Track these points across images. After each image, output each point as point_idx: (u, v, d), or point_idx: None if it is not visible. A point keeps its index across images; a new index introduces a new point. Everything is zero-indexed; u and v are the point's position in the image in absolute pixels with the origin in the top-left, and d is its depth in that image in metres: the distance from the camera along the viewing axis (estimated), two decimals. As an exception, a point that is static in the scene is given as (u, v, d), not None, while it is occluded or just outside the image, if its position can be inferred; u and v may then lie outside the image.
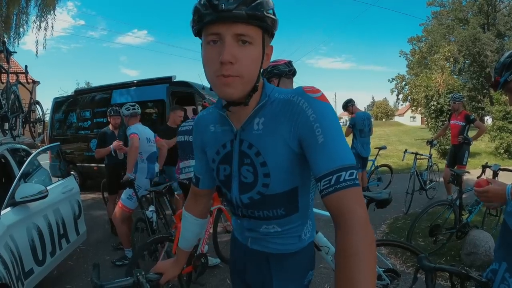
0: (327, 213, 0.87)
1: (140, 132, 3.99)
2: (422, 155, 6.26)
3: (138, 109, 4.26)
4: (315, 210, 2.52)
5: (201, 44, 0.93)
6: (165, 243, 3.25)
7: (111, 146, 4.57)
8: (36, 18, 9.13)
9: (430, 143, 6.43)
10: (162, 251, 3.28)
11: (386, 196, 2.58)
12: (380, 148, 7.11)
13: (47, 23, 9.30)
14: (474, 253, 3.50)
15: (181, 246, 1.34)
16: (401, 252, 3.85)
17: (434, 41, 27.68)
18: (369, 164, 6.78)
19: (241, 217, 1.13)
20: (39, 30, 9.16)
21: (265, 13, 0.87)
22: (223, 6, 0.83)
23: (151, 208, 3.84)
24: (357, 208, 0.80)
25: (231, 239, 1.34)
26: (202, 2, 0.87)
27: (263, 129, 0.98)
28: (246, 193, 1.04)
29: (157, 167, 4.26)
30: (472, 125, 5.66)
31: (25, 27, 9.36)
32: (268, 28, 0.91)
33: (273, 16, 0.90)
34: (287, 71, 2.36)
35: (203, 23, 0.87)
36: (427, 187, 6.34)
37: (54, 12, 9.29)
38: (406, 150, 6.54)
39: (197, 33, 0.93)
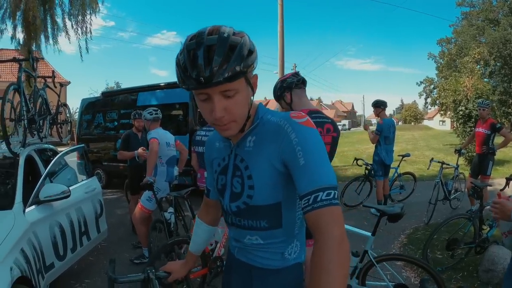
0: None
1: (160, 136, 4.11)
2: (448, 164, 6.09)
3: (160, 114, 4.38)
4: (347, 227, 2.55)
5: (195, 95, 1.02)
6: (183, 245, 3.35)
7: (136, 152, 4.75)
8: (76, 23, 9.51)
9: (458, 151, 6.26)
10: (179, 252, 3.38)
11: (398, 210, 2.55)
12: (403, 156, 6.95)
13: (86, 27, 9.70)
14: (492, 270, 3.36)
15: (191, 250, 1.46)
16: (416, 266, 3.76)
17: (464, 43, 26.65)
18: (392, 171, 6.65)
19: (230, 225, 1.21)
20: (81, 34, 9.57)
21: (243, 65, 0.93)
22: (202, 79, 0.90)
23: (170, 210, 3.94)
24: (332, 226, 0.86)
25: (227, 252, 1.40)
26: (182, 72, 0.94)
27: (253, 146, 1.08)
28: (235, 201, 1.13)
29: (176, 171, 4.39)
30: (498, 133, 5.47)
31: (55, 30, 9.73)
32: (249, 72, 0.98)
33: (253, 56, 0.96)
34: (295, 81, 2.42)
35: (189, 88, 0.96)
36: (451, 197, 6.15)
37: (91, 16, 9.68)
38: (432, 158, 6.35)
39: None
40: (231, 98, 0.96)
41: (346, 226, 2.56)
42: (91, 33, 9.94)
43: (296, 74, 2.48)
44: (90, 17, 9.75)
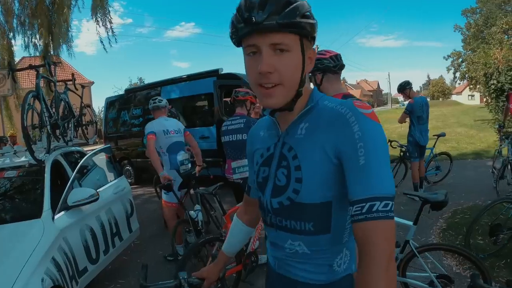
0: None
1: (155, 126, 4.03)
2: None
3: (160, 102, 4.21)
4: (396, 219, 2.41)
5: (243, 53, 0.94)
6: (215, 243, 3.27)
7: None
8: (97, 21, 9.58)
9: (501, 127, 5.90)
10: (211, 252, 3.31)
11: (442, 197, 2.39)
12: (438, 136, 6.61)
13: (106, 24, 9.75)
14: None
15: (224, 250, 1.36)
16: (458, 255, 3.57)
17: (490, 13, 25.46)
18: (427, 152, 6.36)
19: (269, 226, 1.08)
20: (104, 30, 9.65)
21: (299, 19, 0.86)
22: (253, 19, 0.84)
23: (197, 207, 3.87)
24: (383, 243, 0.78)
25: (267, 261, 1.28)
26: (236, 16, 0.90)
27: (305, 133, 0.96)
28: (277, 196, 1.00)
29: (180, 156, 4.12)
30: None
31: (73, 31, 9.84)
32: (305, 34, 0.90)
33: (310, 20, 0.89)
34: (331, 66, 2.23)
35: (239, 36, 0.90)
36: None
37: (110, 14, 9.71)
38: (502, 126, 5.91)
39: (238, 44, 0.95)
40: (282, 55, 0.88)
41: None
42: (112, 30, 9.96)
43: (336, 57, 2.27)
44: (109, 13, 9.77)
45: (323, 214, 0.94)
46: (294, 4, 0.85)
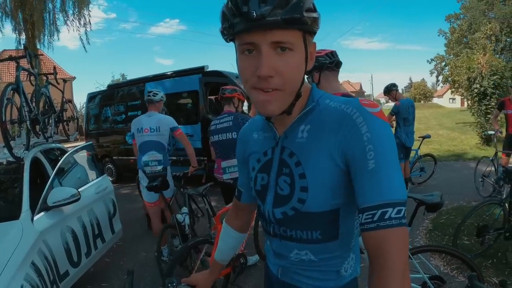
0: None
1: (133, 125, 3.99)
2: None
3: (154, 96, 4.03)
4: None
5: (235, 50, 0.83)
6: (202, 247, 3.17)
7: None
8: (73, 15, 9.37)
9: (492, 135, 5.91)
10: (198, 257, 3.19)
11: (437, 199, 2.37)
12: (424, 137, 6.73)
13: (85, 18, 9.55)
14: (522, 256, 3.19)
15: (217, 258, 1.29)
16: (451, 256, 3.60)
17: (473, 19, 26.19)
18: (412, 153, 6.44)
19: (272, 236, 1.00)
20: (79, 26, 9.44)
21: (304, 14, 0.75)
22: (254, 13, 0.72)
23: (184, 210, 3.75)
24: (397, 253, 0.71)
25: (264, 267, 1.20)
26: (229, 7, 0.77)
27: (307, 137, 0.87)
28: (280, 207, 0.92)
29: (147, 156, 3.90)
30: None
31: (56, 25, 9.62)
32: (308, 29, 0.79)
33: (313, 15, 0.78)
34: (327, 63, 2.20)
35: (234, 33, 0.78)
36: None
37: (88, 7, 9.53)
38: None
39: (231, 40, 0.83)
40: (284, 54, 0.77)
41: None
42: (90, 24, 9.77)
43: (332, 54, 2.23)
44: (88, 10, 9.58)
45: (331, 222, 0.88)
46: None
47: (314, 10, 0.79)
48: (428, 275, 2.51)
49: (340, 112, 0.82)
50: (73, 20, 9.53)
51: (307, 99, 0.90)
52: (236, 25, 0.76)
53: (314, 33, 0.83)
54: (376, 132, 0.76)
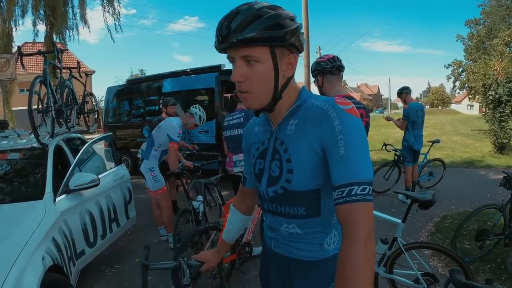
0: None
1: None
2: None
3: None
4: (377, 213, 2.50)
5: None
6: (211, 233, 3.38)
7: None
8: (103, 6, 9.63)
9: None
10: (207, 242, 3.41)
11: (430, 197, 2.48)
12: (433, 142, 6.75)
13: (114, 9, 9.84)
14: (521, 263, 3.21)
15: (224, 238, 1.47)
16: (444, 255, 3.67)
17: (493, 24, 25.52)
18: (421, 157, 6.47)
19: (266, 212, 1.20)
20: (111, 15, 9.75)
21: (261, 33, 0.94)
22: (220, 38, 0.97)
23: (199, 198, 3.96)
24: (362, 223, 0.87)
25: (262, 243, 1.39)
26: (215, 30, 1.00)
27: (294, 129, 1.05)
28: (272, 186, 1.11)
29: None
30: None
31: (85, 18, 9.91)
32: (277, 43, 0.97)
33: (282, 30, 0.96)
34: (329, 67, 2.35)
35: (218, 50, 1.02)
36: None
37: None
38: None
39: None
40: (253, 65, 0.98)
41: (376, 213, 2.53)
42: (119, 14, 10.04)
43: (334, 59, 2.39)
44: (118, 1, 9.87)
45: (313, 200, 1.06)
46: (263, 17, 0.94)
47: (284, 26, 0.96)
48: (421, 272, 2.61)
49: (320, 109, 1.00)
50: (107, 10, 9.81)
51: (296, 98, 1.09)
52: (217, 44, 1.00)
53: (291, 45, 1.00)
54: (346, 124, 0.94)
